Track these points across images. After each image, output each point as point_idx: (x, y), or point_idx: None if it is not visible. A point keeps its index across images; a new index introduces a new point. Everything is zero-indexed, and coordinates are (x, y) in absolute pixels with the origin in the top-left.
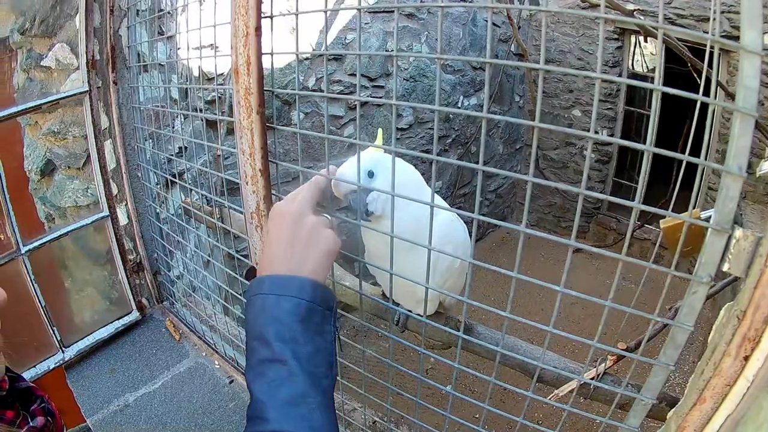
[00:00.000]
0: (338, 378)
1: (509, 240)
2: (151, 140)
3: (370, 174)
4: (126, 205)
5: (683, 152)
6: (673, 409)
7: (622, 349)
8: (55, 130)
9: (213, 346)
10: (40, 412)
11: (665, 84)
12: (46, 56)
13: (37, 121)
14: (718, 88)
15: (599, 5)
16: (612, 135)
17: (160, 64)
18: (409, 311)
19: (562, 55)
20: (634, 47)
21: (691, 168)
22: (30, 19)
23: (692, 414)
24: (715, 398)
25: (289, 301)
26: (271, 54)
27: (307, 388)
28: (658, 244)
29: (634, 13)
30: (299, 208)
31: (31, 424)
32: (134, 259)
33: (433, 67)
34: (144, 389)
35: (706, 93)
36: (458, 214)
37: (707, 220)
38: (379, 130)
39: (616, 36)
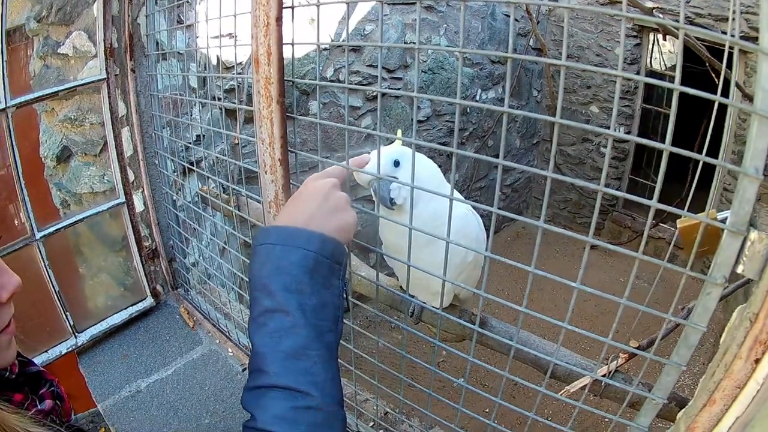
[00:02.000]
0: (351, 368)
1: (524, 234)
2: (168, 128)
3: (396, 163)
4: (142, 192)
5: (699, 152)
6: (683, 410)
7: (634, 347)
8: (72, 116)
9: (227, 334)
10: (48, 396)
11: (683, 83)
12: (63, 44)
13: (53, 108)
14: (737, 88)
15: (620, 1)
16: (629, 132)
17: (178, 52)
18: (424, 303)
19: (581, 51)
20: (653, 44)
21: (707, 167)
22: (47, 7)
23: (701, 415)
24: (724, 400)
25: (296, 252)
26: (292, 44)
27: (310, 340)
28: (672, 243)
29: (654, 11)
30: (331, 182)
31: (39, 407)
32: (150, 246)
33: (452, 60)
34: (156, 375)
35: (724, 93)
36: (475, 208)
37: (723, 221)
38: (399, 131)
39: (634, 33)
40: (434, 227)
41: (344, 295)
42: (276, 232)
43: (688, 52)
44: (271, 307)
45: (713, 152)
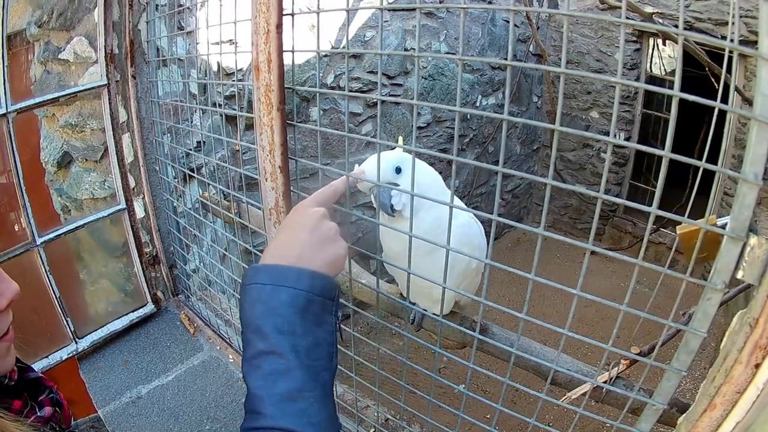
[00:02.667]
0: (352, 374)
1: (525, 241)
2: (169, 134)
3: (398, 170)
4: (143, 198)
5: (700, 157)
6: (684, 415)
7: (635, 353)
8: (73, 122)
9: (227, 340)
10: (48, 402)
11: (683, 88)
12: (64, 49)
13: (54, 114)
14: (737, 93)
15: (619, 7)
16: (629, 138)
17: (179, 59)
18: (425, 310)
19: (581, 57)
20: (653, 50)
21: (708, 173)
22: (48, 12)
23: (702, 420)
24: (725, 405)
25: (286, 292)
26: (292, 51)
27: (305, 382)
28: (673, 249)
29: (653, 16)
30: (320, 212)
31: (38, 413)
32: (150, 252)
33: (452, 66)
34: (157, 381)
35: (724, 98)
36: (475, 215)
37: (723, 227)
38: (400, 138)
39: (634, 38)
40: (436, 235)
41: (338, 329)
42: (266, 271)
43: (689, 57)
44: (264, 349)
45: (714, 157)
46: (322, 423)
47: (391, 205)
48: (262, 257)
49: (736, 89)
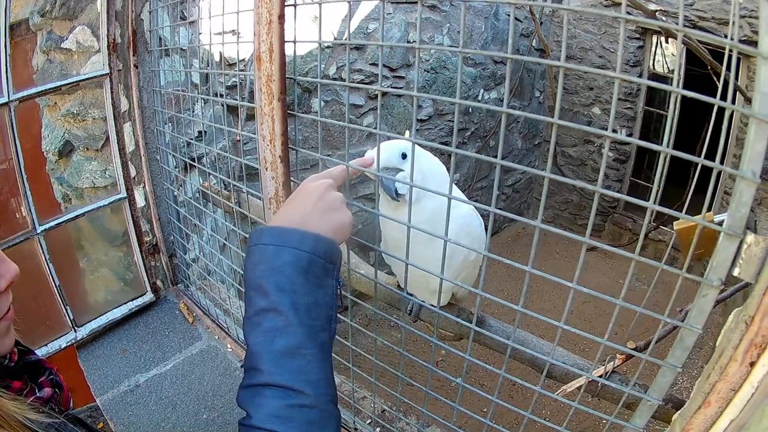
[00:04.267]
0: (350, 365)
1: (524, 235)
2: (170, 124)
3: (404, 156)
4: (144, 187)
5: (701, 155)
6: (679, 412)
7: (631, 349)
8: (75, 111)
9: (226, 330)
10: (47, 384)
11: (685, 86)
12: (66, 38)
13: (56, 103)
14: (738, 93)
15: (621, 3)
16: (631, 134)
17: (181, 48)
18: (423, 301)
19: (584, 53)
20: (656, 47)
21: (709, 171)
22: (51, 2)
23: (697, 417)
24: (719, 403)
25: (289, 253)
26: (294, 42)
27: (304, 339)
28: (670, 246)
29: (656, 13)
30: (327, 183)
31: (38, 394)
32: (150, 241)
33: (454, 59)
34: (155, 370)
35: (726, 97)
36: (475, 207)
37: (720, 223)
38: (406, 132)
39: (637, 36)
40: (435, 224)
41: (338, 294)
42: (269, 233)
43: (692, 56)
44: (265, 307)
45: (715, 157)
46: (320, 382)
47: (396, 189)
48: (267, 223)
49: (738, 89)
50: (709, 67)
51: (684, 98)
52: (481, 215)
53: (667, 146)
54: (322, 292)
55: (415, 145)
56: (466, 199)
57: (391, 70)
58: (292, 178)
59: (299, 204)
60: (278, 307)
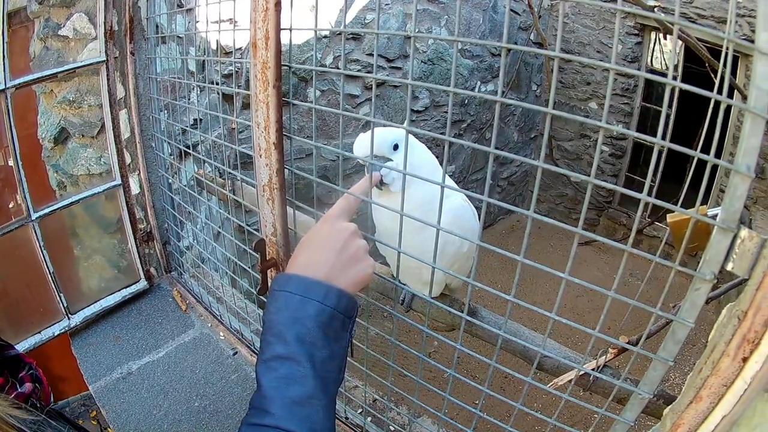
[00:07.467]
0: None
1: (519, 228)
2: (166, 111)
3: (395, 147)
4: (138, 174)
5: (701, 152)
6: (669, 407)
7: (624, 342)
8: (71, 98)
9: (219, 318)
10: (28, 379)
11: (683, 83)
12: (63, 26)
13: (52, 90)
14: (735, 91)
15: None
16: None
17: (178, 36)
18: (415, 291)
19: (582, 47)
20: (654, 44)
21: (705, 167)
22: None
23: (688, 412)
24: (711, 398)
25: (313, 306)
26: (290, 29)
27: (317, 391)
28: (664, 241)
29: (655, 9)
30: (352, 229)
31: (19, 390)
32: (144, 229)
33: (452, 51)
34: (148, 358)
35: (722, 92)
36: (469, 197)
37: (714, 218)
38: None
39: (636, 31)
40: (426, 212)
41: (350, 345)
42: (296, 281)
43: (691, 53)
44: (283, 354)
45: (716, 155)
46: (324, 430)
47: (381, 178)
48: (290, 264)
49: (736, 87)
50: (706, 65)
51: (682, 97)
52: (475, 206)
53: (662, 139)
54: (337, 345)
55: (411, 137)
56: (458, 188)
57: (388, 60)
58: (286, 166)
59: (324, 252)
60: (296, 357)
